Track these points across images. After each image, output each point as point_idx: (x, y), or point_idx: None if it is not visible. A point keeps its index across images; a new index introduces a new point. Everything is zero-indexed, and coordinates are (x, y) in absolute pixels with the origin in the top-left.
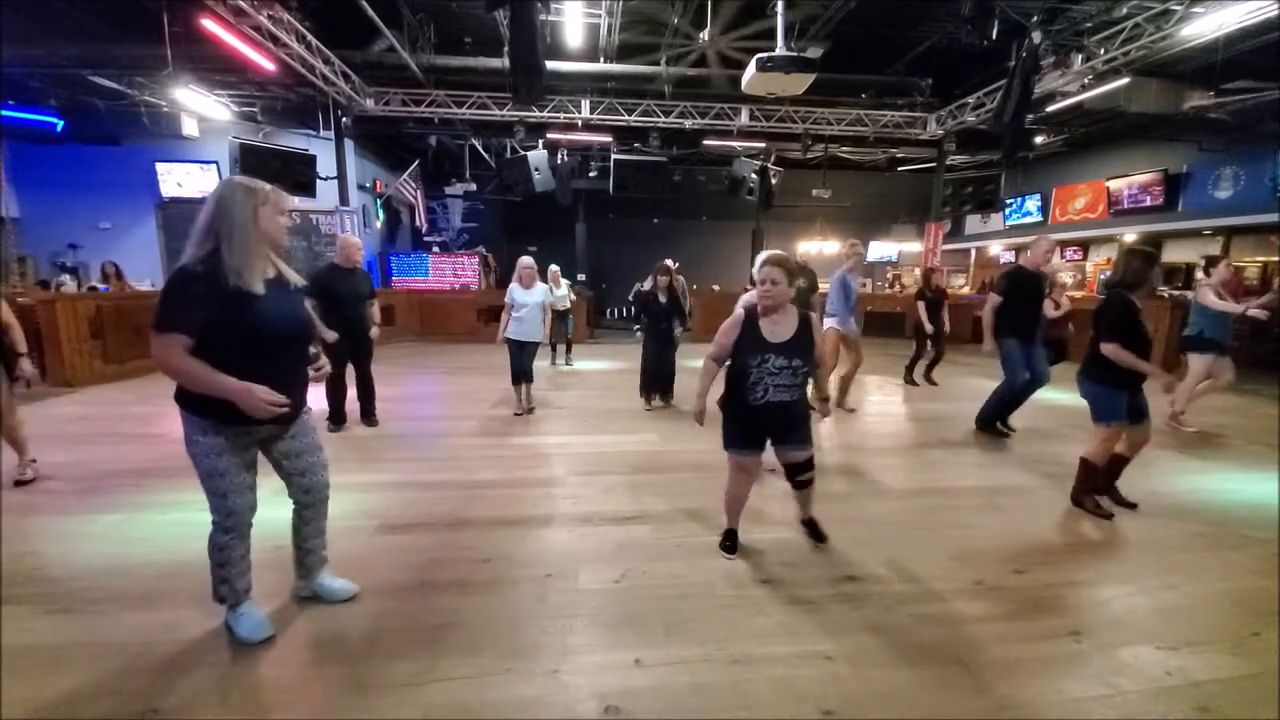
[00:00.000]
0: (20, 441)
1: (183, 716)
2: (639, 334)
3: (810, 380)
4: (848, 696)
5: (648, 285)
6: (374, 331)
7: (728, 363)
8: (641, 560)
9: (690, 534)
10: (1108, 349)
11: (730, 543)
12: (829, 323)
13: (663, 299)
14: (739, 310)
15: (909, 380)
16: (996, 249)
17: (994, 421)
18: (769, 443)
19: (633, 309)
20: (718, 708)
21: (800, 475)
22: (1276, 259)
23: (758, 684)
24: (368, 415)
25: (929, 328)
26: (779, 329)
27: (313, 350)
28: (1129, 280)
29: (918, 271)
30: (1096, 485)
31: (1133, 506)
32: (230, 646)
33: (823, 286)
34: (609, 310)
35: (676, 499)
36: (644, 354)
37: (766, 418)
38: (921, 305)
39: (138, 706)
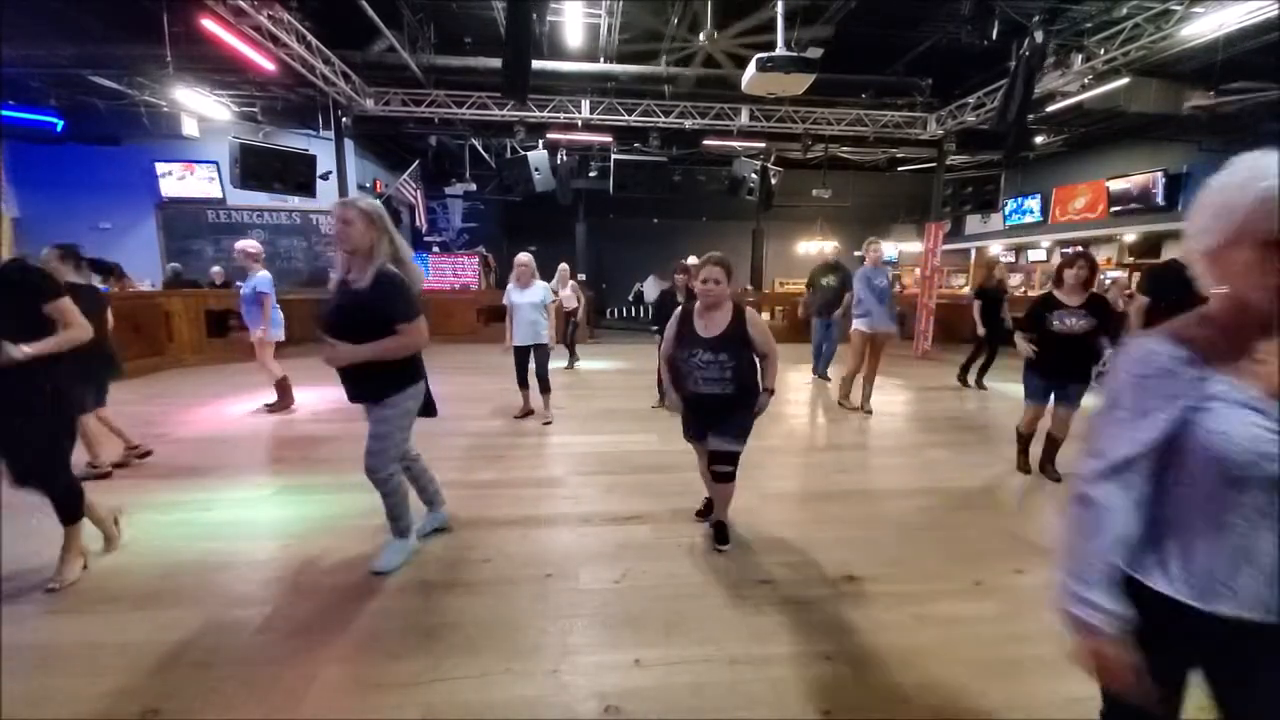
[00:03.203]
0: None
1: (183, 716)
2: (656, 334)
3: (761, 373)
4: (847, 696)
5: (666, 284)
6: None
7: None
8: (641, 560)
9: (690, 534)
10: None
11: (706, 510)
12: (855, 324)
13: (681, 299)
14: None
15: (961, 381)
16: (996, 249)
17: None
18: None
19: (643, 309)
20: (718, 708)
21: (716, 465)
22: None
23: (758, 684)
24: None
25: (981, 330)
26: (711, 325)
27: None
28: None
29: (918, 271)
30: None
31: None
32: (230, 647)
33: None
34: (609, 310)
35: (676, 499)
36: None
37: (699, 408)
38: (977, 305)
39: (138, 706)
